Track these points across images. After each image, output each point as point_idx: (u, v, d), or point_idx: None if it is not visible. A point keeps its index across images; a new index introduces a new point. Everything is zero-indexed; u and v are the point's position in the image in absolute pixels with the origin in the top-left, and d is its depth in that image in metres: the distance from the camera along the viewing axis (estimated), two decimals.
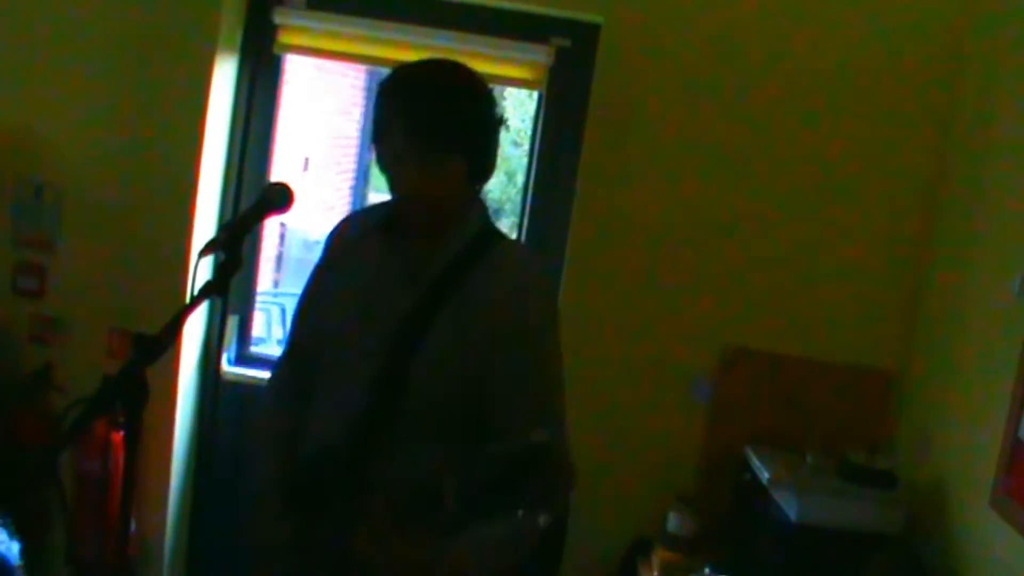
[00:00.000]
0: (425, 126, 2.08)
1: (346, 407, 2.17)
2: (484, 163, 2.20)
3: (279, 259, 8.07)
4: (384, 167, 2.19)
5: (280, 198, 2.14)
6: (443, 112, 2.09)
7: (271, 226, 7.16)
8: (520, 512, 1.79)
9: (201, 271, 1.94)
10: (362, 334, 2.19)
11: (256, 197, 2.20)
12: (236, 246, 1.98)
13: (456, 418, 2.13)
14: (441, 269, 2.16)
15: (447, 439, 2.10)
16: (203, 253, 1.96)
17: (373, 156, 2.17)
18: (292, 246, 8.02)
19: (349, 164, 10.13)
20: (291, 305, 7.64)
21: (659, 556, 3.46)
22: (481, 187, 2.26)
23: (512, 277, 2.19)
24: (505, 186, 9.69)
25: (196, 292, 1.92)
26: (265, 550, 2.30)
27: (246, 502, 2.48)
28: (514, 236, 3.96)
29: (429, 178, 2.10)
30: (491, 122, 2.18)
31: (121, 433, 3.36)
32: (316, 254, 7.25)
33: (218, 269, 1.97)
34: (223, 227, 2.01)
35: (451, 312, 2.13)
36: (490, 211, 2.33)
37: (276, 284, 7.93)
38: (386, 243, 2.24)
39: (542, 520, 1.87)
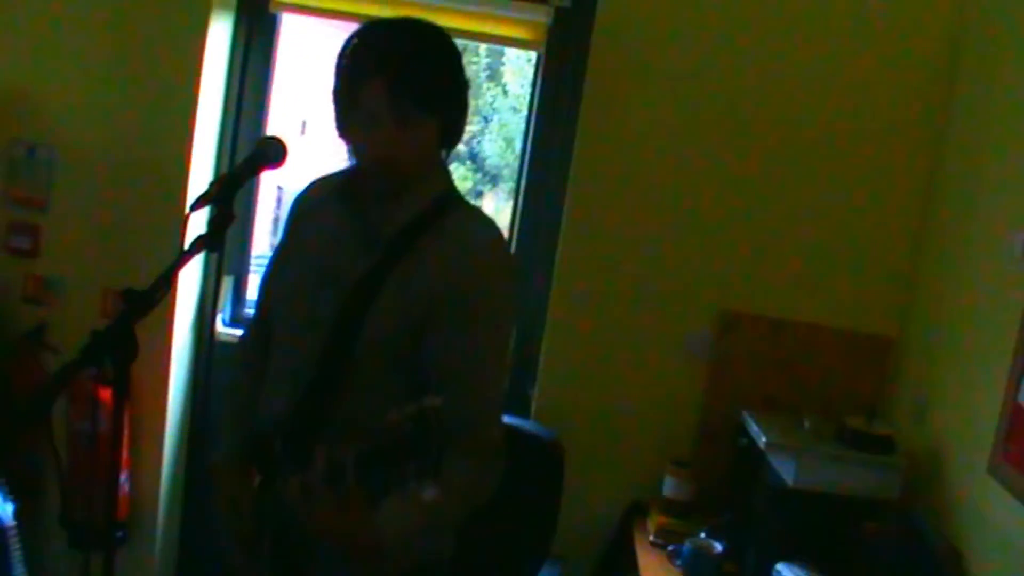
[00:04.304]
0: (407, 85, 1.99)
1: (296, 372, 2.14)
2: (456, 128, 2.15)
3: (275, 222, 8.04)
4: (349, 129, 2.12)
5: (274, 152, 2.12)
6: (426, 71, 2.02)
7: (267, 189, 7.11)
8: (411, 484, 1.69)
9: (194, 227, 1.92)
10: (316, 299, 2.15)
11: (250, 151, 2.18)
12: (228, 199, 1.96)
13: (400, 386, 2.07)
14: (396, 232, 2.11)
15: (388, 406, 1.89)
16: (195, 207, 1.95)
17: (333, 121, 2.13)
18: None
19: None
20: None
21: (655, 520, 3.45)
22: (448, 153, 2.21)
23: (461, 242, 2.11)
24: (503, 152, 9.65)
25: (188, 246, 1.90)
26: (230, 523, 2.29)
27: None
28: (511, 202, 3.94)
29: (403, 139, 2.03)
30: (464, 85, 2.13)
31: (110, 390, 3.34)
32: None
33: (211, 223, 1.95)
34: (215, 180, 1.98)
35: (400, 273, 2.08)
36: (452, 177, 2.25)
37: (272, 247, 7.89)
38: (343, 209, 2.19)
39: (451, 493, 1.78)
